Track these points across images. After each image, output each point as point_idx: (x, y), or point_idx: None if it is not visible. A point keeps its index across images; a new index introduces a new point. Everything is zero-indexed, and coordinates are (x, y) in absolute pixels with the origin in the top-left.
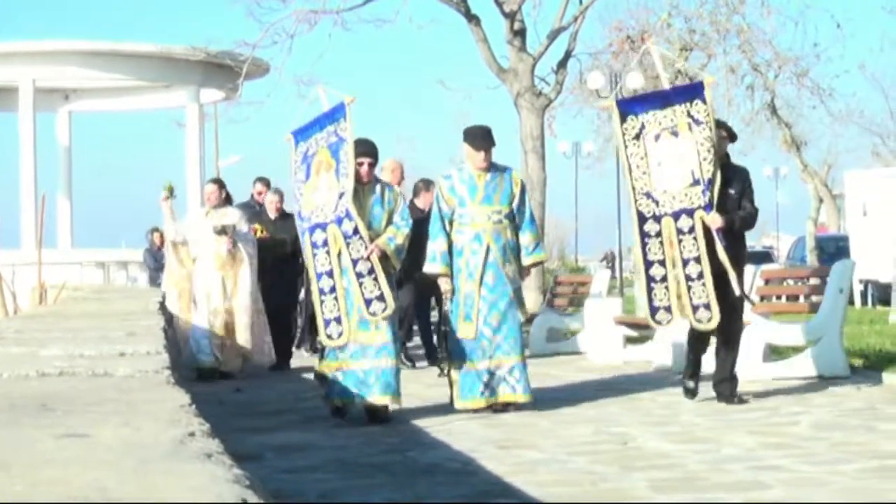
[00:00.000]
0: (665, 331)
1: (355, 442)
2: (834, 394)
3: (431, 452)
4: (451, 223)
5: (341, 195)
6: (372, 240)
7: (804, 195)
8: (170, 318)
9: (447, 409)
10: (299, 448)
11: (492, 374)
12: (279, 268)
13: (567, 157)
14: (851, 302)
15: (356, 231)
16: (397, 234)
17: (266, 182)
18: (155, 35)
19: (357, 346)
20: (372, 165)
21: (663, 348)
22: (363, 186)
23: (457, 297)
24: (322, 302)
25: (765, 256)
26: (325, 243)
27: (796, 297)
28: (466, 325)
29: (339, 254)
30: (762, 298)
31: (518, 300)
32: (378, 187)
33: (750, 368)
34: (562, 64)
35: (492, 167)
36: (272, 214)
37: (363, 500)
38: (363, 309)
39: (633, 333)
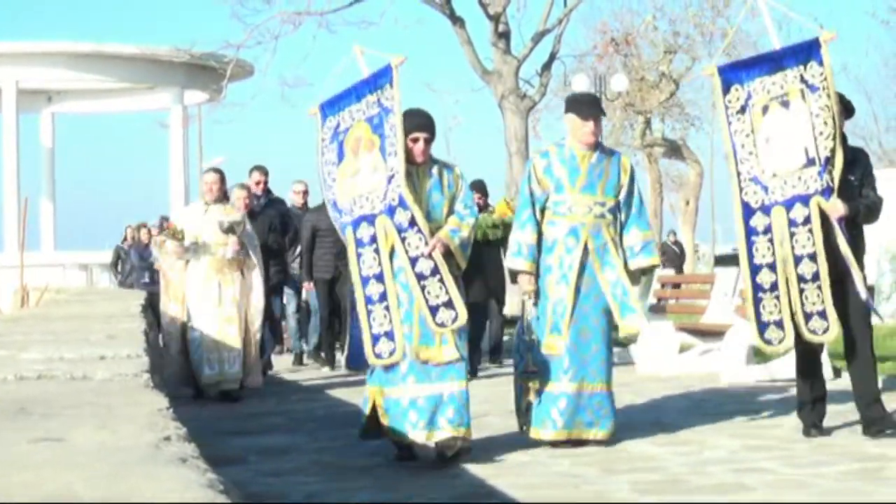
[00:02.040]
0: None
1: (339, 444)
2: None
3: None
4: (542, 212)
5: (391, 178)
6: (433, 233)
7: None
8: (159, 328)
9: None
10: (283, 451)
11: (573, 400)
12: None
13: None
14: None
15: (413, 222)
16: (462, 226)
17: (264, 171)
18: (139, 36)
19: (418, 365)
20: (428, 142)
21: (641, 350)
22: (418, 168)
23: (543, 302)
24: (369, 313)
25: None
26: (374, 240)
27: None
28: (554, 337)
29: (392, 252)
30: (743, 301)
31: (627, 309)
32: (436, 169)
33: (733, 371)
34: (546, 66)
35: (599, 147)
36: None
37: (347, 502)
38: (428, 319)
39: None
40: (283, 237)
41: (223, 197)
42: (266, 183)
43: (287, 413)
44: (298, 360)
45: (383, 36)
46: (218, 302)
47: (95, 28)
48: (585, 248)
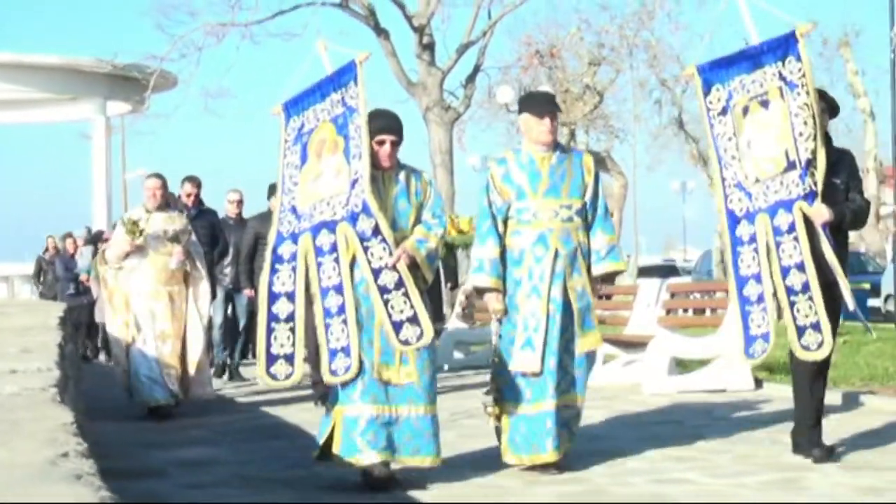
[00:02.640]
0: None
1: (261, 457)
2: (738, 407)
3: (336, 467)
4: (505, 222)
5: (354, 182)
6: (398, 243)
7: (711, 209)
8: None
9: None
10: (204, 463)
11: (557, 417)
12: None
13: (477, 170)
14: None
15: (377, 231)
16: (429, 237)
17: (196, 182)
18: (61, 47)
19: (377, 384)
20: (395, 145)
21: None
22: (384, 173)
23: (512, 318)
24: (327, 327)
25: (670, 270)
26: (334, 248)
27: (702, 311)
28: (527, 355)
29: (353, 262)
30: (668, 312)
31: (587, 322)
32: (403, 174)
33: (656, 382)
34: (470, 78)
35: (558, 148)
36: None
37: None
38: (390, 335)
39: None
40: (213, 249)
41: (166, 204)
42: (198, 195)
43: (209, 425)
44: (220, 372)
45: (307, 48)
46: (170, 315)
47: (16, 38)
48: (556, 255)
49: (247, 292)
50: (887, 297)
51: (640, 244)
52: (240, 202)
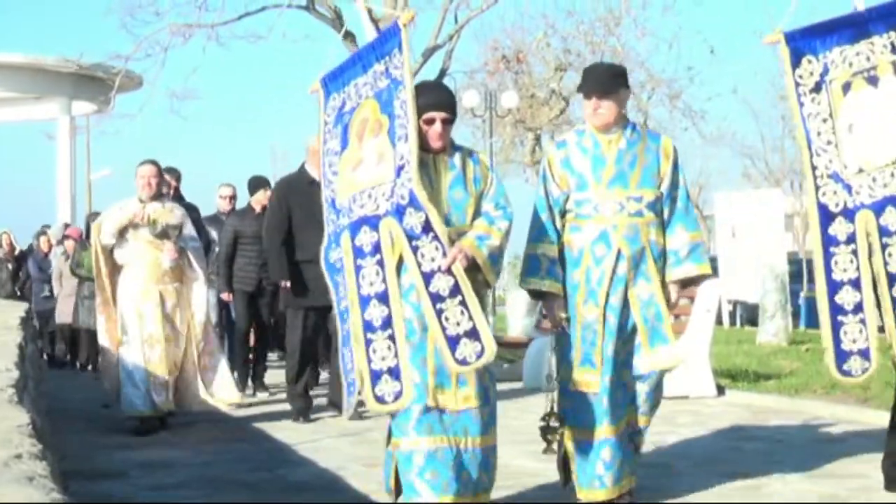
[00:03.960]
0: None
1: (223, 459)
2: (701, 413)
3: (300, 470)
4: (562, 215)
5: (400, 169)
6: (453, 241)
7: None
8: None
9: (315, 424)
10: (166, 465)
11: (617, 445)
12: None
13: None
14: (720, 322)
15: (428, 227)
16: (491, 232)
17: (175, 173)
18: (25, 45)
19: (433, 411)
20: (447, 123)
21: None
22: (435, 157)
23: (571, 330)
24: (369, 343)
25: None
26: (377, 249)
27: None
28: (585, 372)
29: (400, 265)
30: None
31: (657, 336)
32: (458, 158)
33: None
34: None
35: (629, 127)
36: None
37: None
38: (444, 353)
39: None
40: None
41: (161, 193)
42: (177, 188)
43: (172, 427)
44: None
45: (272, 50)
46: (161, 317)
47: None
48: (618, 256)
49: (224, 297)
50: None
51: None
52: (233, 197)
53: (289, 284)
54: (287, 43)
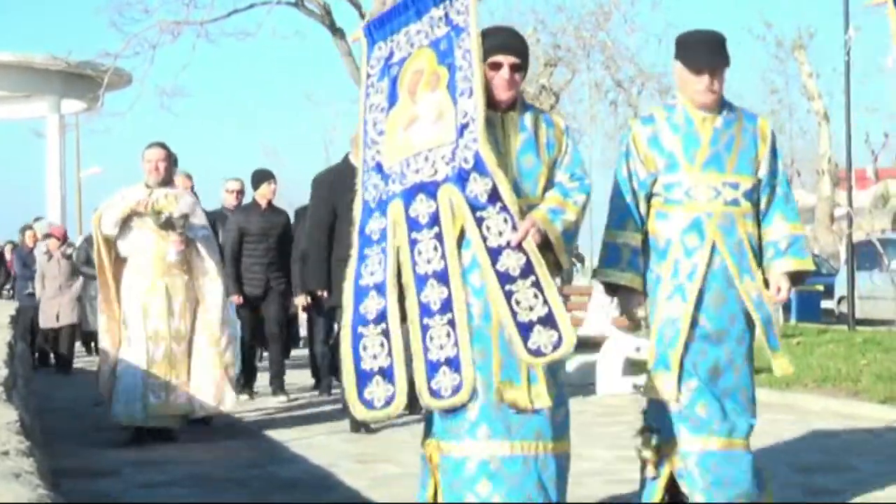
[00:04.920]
0: None
1: (214, 456)
2: None
3: (291, 467)
4: (647, 200)
5: (463, 128)
6: (524, 213)
7: None
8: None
9: (307, 421)
10: (157, 462)
11: (703, 463)
12: None
13: None
14: None
15: (495, 196)
16: (566, 205)
17: (186, 175)
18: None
19: (495, 410)
20: (517, 70)
21: None
22: (503, 115)
23: (652, 327)
24: (425, 330)
25: None
26: (435, 220)
27: None
28: (663, 376)
29: (462, 239)
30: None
31: (773, 341)
32: (529, 118)
33: (609, 382)
34: None
35: (725, 107)
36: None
37: None
38: (515, 342)
39: None
40: None
41: (171, 179)
42: (192, 188)
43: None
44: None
45: (262, 47)
46: (167, 313)
47: None
48: (713, 250)
49: (234, 299)
50: (840, 299)
51: (596, 245)
52: (240, 192)
53: (326, 294)
54: (277, 39)
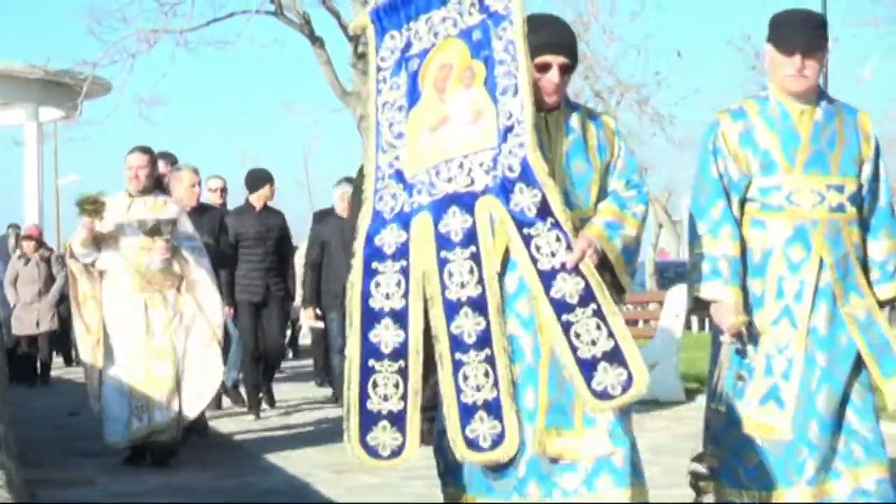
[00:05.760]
0: None
1: (191, 466)
2: (669, 418)
3: (268, 477)
4: (741, 205)
5: (507, 132)
6: (577, 229)
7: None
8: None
9: (285, 430)
10: (134, 473)
11: None
12: None
13: None
14: (689, 327)
15: (545, 209)
16: (624, 218)
17: (171, 159)
18: None
19: (544, 463)
20: (566, 71)
21: None
22: (547, 116)
23: (746, 352)
24: (457, 367)
25: None
26: (471, 237)
27: (636, 322)
28: (770, 411)
29: (506, 260)
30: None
31: (888, 364)
32: (576, 119)
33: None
34: None
35: (823, 98)
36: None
37: None
38: (577, 382)
39: None
40: None
41: (155, 186)
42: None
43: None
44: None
45: (241, 55)
46: (145, 330)
47: None
48: (821, 264)
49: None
50: None
51: None
52: (223, 190)
53: None
54: (256, 48)
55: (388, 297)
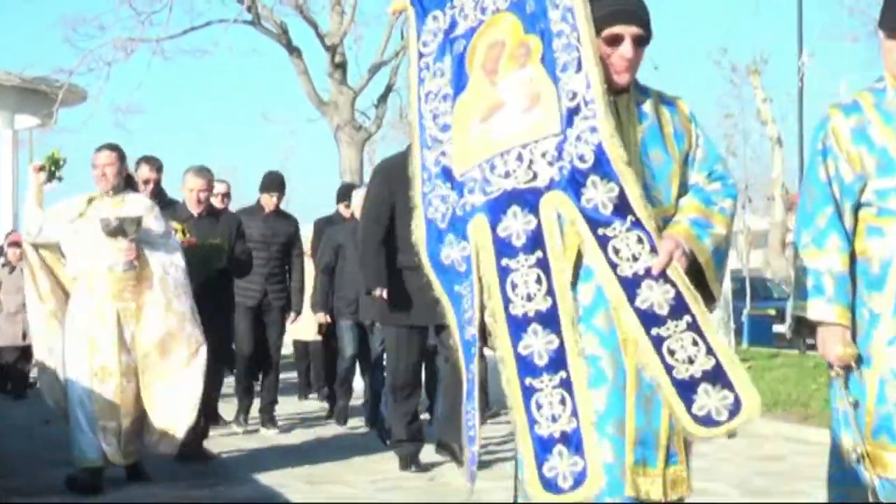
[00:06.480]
0: None
1: (163, 476)
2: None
3: (241, 487)
4: (854, 211)
5: (572, 114)
6: (659, 228)
7: None
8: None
9: (258, 441)
10: (107, 482)
11: None
12: (208, 297)
13: None
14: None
15: (623, 206)
16: (712, 216)
17: (155, 164)
18: None
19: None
20: (640, 43)
21: None
22: (616, 99)
23: (858, 378)
24: (528, 393)
25: None
26: (537, 241)
27: None
28: (884, 446)
29: (578, 267)
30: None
31: None
32: (649, 103)
33: None
34: (383, 98)
35: None
36: (194, 209)
37: None
38: (677, 409)
39: None
40: None
41: (125, 185)
42: (158, 182)
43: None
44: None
45: (218, 65)
46: (117, 345)
47: None
48: None
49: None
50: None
51: None
52: (226, 195)
53: (385, 294)
54: (234, 57)
55: (470, 323)
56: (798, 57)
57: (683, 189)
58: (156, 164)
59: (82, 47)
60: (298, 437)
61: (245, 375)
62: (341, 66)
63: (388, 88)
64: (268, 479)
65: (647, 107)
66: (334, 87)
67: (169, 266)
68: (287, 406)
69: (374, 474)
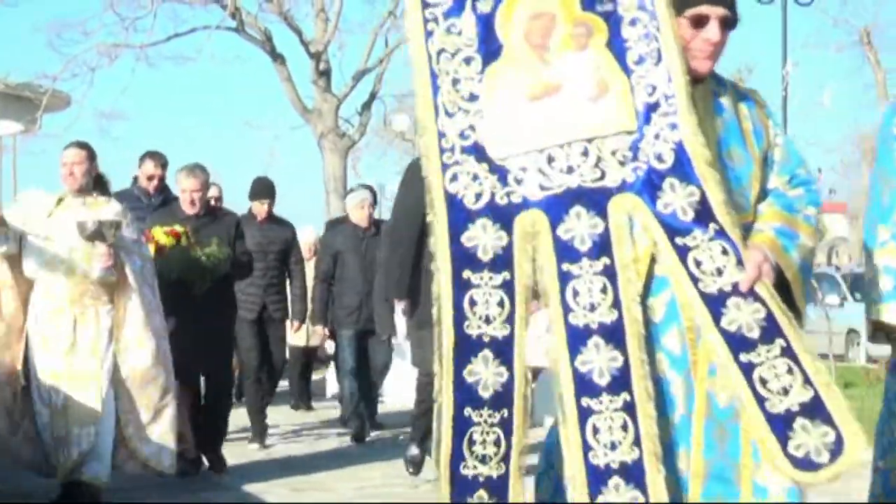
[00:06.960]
0: None
1: (147, 483)
2: None
3: (225, 494)
4: None
5: (651, 110)
6: (743, 237)
7: None
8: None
9: (242, 447)
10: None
11: None
12: (210, 302)
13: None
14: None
15: (705, 213)
16: (798, 225)
17: (160, 160)
18: None
19: None
20: (727, 26)
21: None
22: (693, 89)
23: None
24: (585, 417)
25: None
26: (602, 248)
27: None
28: None
29: (650, 278)
30: None
31: None
32: (727, 97)
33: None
34: (366, 105)
35: None
36: (188, 210)
37: None
38: (769, 448)
39: None
40: None
41: (93, 185)
42: (162, 178)
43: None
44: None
45: (202, 71)
46: (69, 349)
47: None
48: None
49: None
50: None
51: None
52: (218, 199)
53: (405, 307)
54: (218, 64)
55: (488, 320)
56: (782, 66)
57: (762, 193)
58: (161, 160)
59: (66, 53)
60: (284, 444)
61: (254, 393)
62: (325, 74)
63: (372, 96)
64: (251, 486)
65: (725, 99)
66: (318, 95)
67: (143, 273)
68: (275, 415)
69: (358, 481)
